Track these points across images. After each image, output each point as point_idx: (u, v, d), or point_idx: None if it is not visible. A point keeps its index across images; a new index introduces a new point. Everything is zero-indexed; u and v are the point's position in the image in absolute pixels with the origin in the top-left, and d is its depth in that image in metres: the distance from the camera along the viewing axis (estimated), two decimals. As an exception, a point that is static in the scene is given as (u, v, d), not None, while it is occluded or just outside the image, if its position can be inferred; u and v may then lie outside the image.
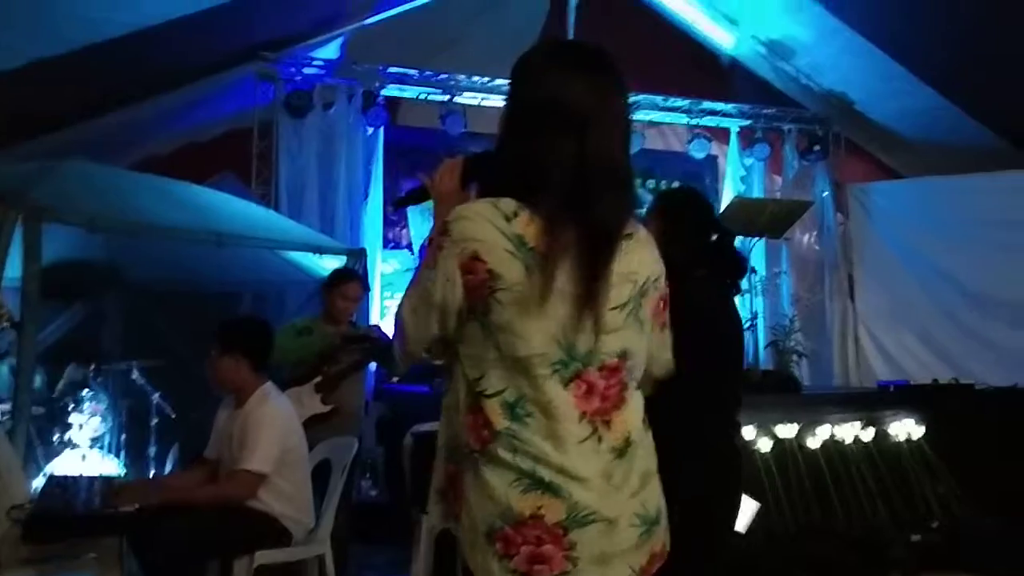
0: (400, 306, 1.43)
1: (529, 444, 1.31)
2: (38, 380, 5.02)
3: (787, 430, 4.62)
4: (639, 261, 1.41)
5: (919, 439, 4.96)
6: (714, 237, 2.52)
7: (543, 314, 1.32)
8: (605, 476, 1.34)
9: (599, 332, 1.34)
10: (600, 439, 1.35)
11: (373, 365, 4.91)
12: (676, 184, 7.95)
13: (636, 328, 1.40)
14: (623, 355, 1.38)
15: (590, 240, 1.34)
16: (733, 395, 2.47)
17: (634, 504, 1.37)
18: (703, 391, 2.22)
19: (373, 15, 6.47)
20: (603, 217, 1.35)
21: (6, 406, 4.42)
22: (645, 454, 1.42)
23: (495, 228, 1.31)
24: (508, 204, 1.34)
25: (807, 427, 4.70)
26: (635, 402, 1.42)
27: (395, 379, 5.62)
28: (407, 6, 6.50)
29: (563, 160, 1.33)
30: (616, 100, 1.40)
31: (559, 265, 1.31)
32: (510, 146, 1.41)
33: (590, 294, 1.33)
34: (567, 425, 1.33)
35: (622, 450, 1.37)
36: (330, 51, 6.76)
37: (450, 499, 1.40)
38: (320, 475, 3.57)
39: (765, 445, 4.52)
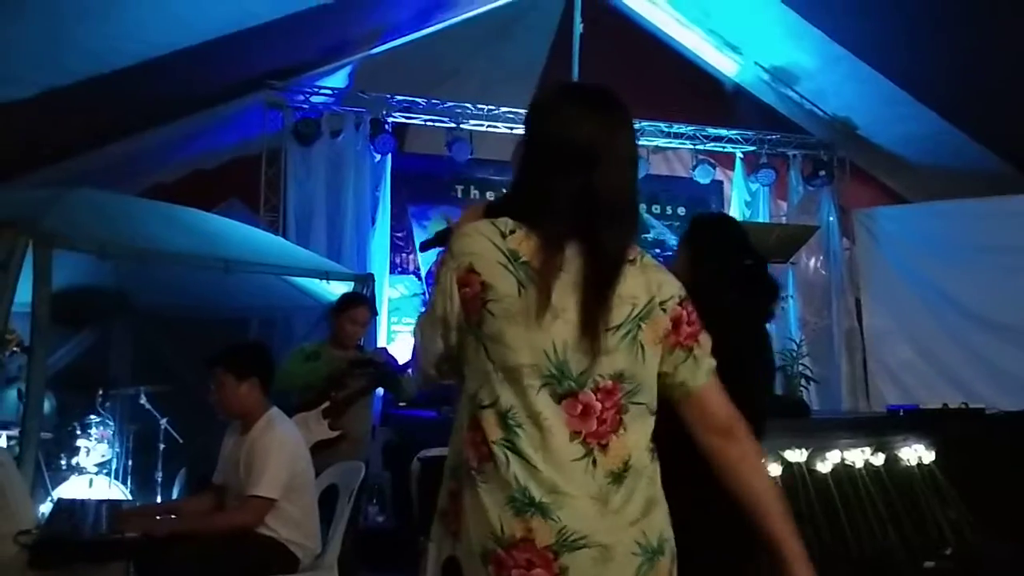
0: (414, 331, 1.50)
1: (521, 454, 1.33)
2: (46, 405, 5.03)
3: (796, 455, 4.59)
4: (640, 285, 1.42)
5: (930, 464, 4.91)
6: (748, 263, 2.50)
7: (535, 327, 1.34)
8: (600, 500, 1.34)
9: (595, 353, 1.35)
10: (595, 462, 1.35)
11: (380, 390, 4.91)
12: (681, 209, 8.01)
13: (633, 351, 1.40)
14: (618, 377, 1.38)
15: (593, 265, 1.38)
16: (755, 421, 2.45)
17: (634, 532, 1.35)
18: None
19: (380, 44, 6.55)
20: (607, 243, 1.39)
21: (14, 431, 4.43)
22: (649, 482, 1.40)
23: (490, 242, 1.38)
24: (505, 222, 1.40)
25: (817, 452, 4.66)
26: (638, 427, 1.40)
27: (402, 404, 5.61)
28: (413, 36, 6.59)
29: (570, 190, 1.39)
30: (624, 136, 1.46)
31: (554, 283, 1.35)
32: (523, 185, 1.47)
33: (589, 317, 1.36)
34: (558, 441, 1.33)
35: (619, 475, 1.36)
36: (338, 80, 6.85)
37: (450, 518, 1.41)
38: (327, 500, 3.56)
39: (774, 470, 4.48)
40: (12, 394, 4.87)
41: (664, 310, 1.43)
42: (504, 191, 1.63)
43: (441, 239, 1.64)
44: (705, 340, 1.50)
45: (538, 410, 1.34)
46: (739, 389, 2.15)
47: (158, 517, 4.30)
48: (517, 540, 1.30)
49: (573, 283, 1.36)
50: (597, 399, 1.36)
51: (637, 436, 1.40)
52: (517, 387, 1.35)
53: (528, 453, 1.33)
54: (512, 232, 1.38)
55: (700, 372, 1.48)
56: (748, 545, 1.91)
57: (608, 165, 1.41)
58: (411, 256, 7.11)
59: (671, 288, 1.46)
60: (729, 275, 2.42)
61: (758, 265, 2.56)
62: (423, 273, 7.01)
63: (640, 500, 1.38)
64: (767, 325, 2.70)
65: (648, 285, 1.43)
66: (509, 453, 1.33)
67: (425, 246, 1.89)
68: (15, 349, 4.61)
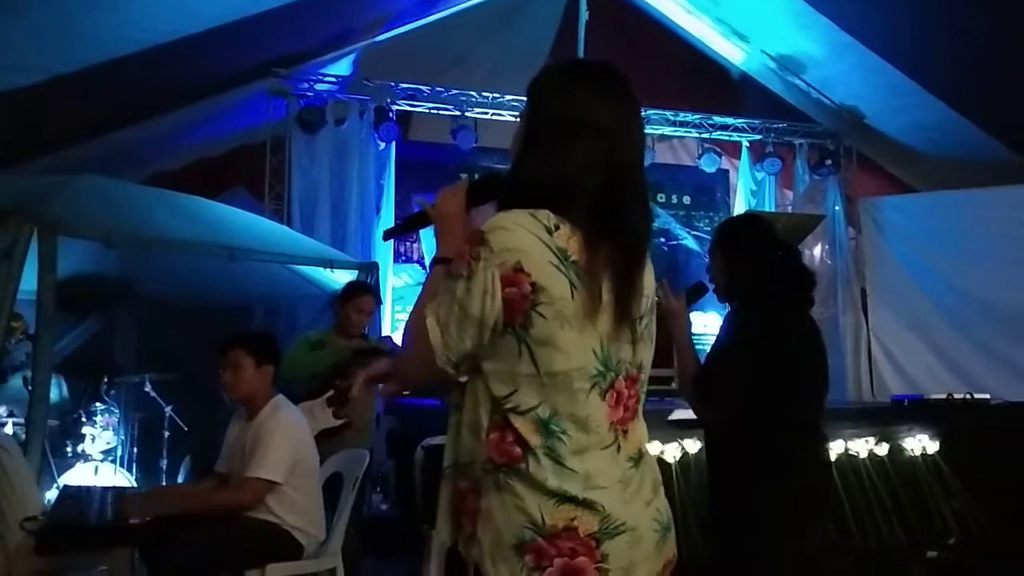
0: (411, 323, 1.39)
1: (559, 460, 1.30)
2: (52, 392, 5.05)
3: (800, 444, 4.59)
4: (649, 276, 1.45)
5: (934, 454, 4.90)
6: (779, 254, 2.56)
7: (587, 328, 1.32)
8: (624, 484, 1.35)
9: (630, 343, 1.38)
10: (619, 448, 1.36)
11: (384, 378, 4.90)
12: (686, 198, 7.99)
13: (649, 341, 1.45)
14: (640, 367, 1.42)
15: (625, 253, 1.36)
16: (812, 412, 2.49)
17: (651, 511, 1.39)
18: (772, 414, 2.32)
19: (384, 32, 6.53)
20: (635, 230, 1.37)
21: (20, 418, 4.45)
22: (652, 463, 1.45)
23: (538, 239, 1.29)
24: (547, 216, 1.31)
25: (821, 442, 4.66)
26: (642, 415, 1.45)
27: (406, 393, 5.61)
28: (418, 23, 6.56)
29: (595, 176, 1.34)
30: (636, 118, 1.43)
31: (604, 281, 1.33)
32: (532, 164, 1.38)
33: (627, 306, 1.36)
34: (601, 437, 1.34)
35: (637, 460, 1.39)
36: (342, 67, 6.83)
37: (463, 519, 1.37)
38: (331, 488, 3.56)
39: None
40: (18, 382, 4.89)
41: (651, 306, 1.48)
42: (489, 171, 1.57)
43: (410, 225, 1.56)
44: None
45: (587, 413, 1.32)
46: (778, 386, 2.23)
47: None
48: (559, 530, 1.28)
49: (609, 275, 1.35)
50: (626, 386, 1.38)
51: (643, 423, 1.44)
52: (565, 392, 1.31)
53: (569, 459, 1.31)
54: (557, 228, 1.30)
55: None
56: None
57: (625, 146, 1.37)
58: (415, 245, 7.10)
59: (653, 279, 1.49)
60: (768, 271, 2.49)
61: (791, 254, 2.61)
62: (427, 262, 7.00)
63: (650, 480, 1.41)
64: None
65: (651, 279, 1.46)
66: (547, 460, 1.30)
67: (391, 233, 1.82)
68: (20, 337, 4.62)
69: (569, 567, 1.28)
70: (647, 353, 1.43)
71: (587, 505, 1.30)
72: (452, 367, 1.33)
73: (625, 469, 1.36)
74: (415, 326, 1.37)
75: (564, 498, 1.29)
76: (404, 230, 1.60)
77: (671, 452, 3.93)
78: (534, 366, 1.30)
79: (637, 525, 1.34)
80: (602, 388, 1.35)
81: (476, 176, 1.57)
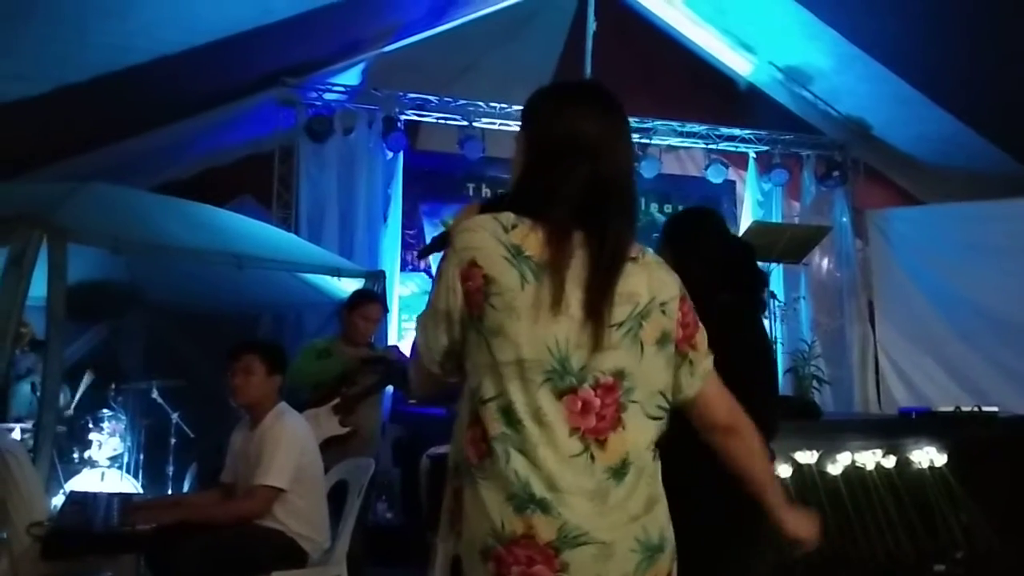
0: (416, 330, 1.50)
1: (521, 450, 1.32)
2: (60, 399, 5.06)
3: (807, 456, 4.57)
4: (642, 283, 1.43)
5: (941, 467, 4.87)
6: (733, 251, 2.43)
7: (539, 322, 1.34)
8: (599, 496, 1.33)
9: (596, 349, 1.35)
10: (592, 457, 1.34)
11: (390, 388, 4.91)
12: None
13: (633, 349, 1.40)
14: (618, 374, 1.38)
15: (597, 258, 1.38)
16: (761, 419, 2.43)
17: (634, 528, 1.35)
18: None
19: (393, 42, 6.56)
20: (610, 236, 1.40)
21: (27, 424, 4.47)
22: (651, 479, 1.41)
23: (493, 236, 1.38)
24: (507, 216, 1.40)
25: (827, 454, 4.64)
26: (637, 426, 1.39)
27: (412, 401, 5.62)
28: (426, 34, 6.59)
29: (575, 182, 1.40)
30: (621, 130, 1.49)
31: (566, 274, 1.35)
32: (524, 179, 1.48)
33: (594, 311, 1.36)
34: (558, 437, 1.33)
35: (618, 471, 1.35)
36: (351, 77, 6.86)
37: (454, 517, 1.41)
38: (337, 496, 3.57)
39: (784, 471, 4.47)
40: (25, 388, 4.92)
41: (664, 312, 1.44)
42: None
43: (440, 243, 1.63)
44: (701, 340, 1.52)
45: (539, 405, 1.33)
46: (742, 388, 2.14)
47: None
48: (518, 537, 1.30)
49: (577, 277, 1.37)
50: (596, 395, 1.36)
51: (636, 435, 1.39)
52: (519, 382, 1.34)
53: (528, 449, 1.32)
54: (514, 227, 1.39)
55: (695, 378, 1.51)
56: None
57: (610, 158, 1.43)
58: (422, 254, 7.12)
59: (672, 288, 1.47)
60: (719, 269, 2.32)
61: (746, 253, 2.47)
62: (433, 271, 7.01)
63: (642, 497, 1.38)
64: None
65: (650, 283, 1.44)
66: (510, 449, 1.33)
67: (423, 253, 1.88)
68: (26, 348, 4.64)
69: (527, 575, 1.29)
70: (629, 361, 1.39)
71: (544, 509, 1.30)
72: (437, 367, 1.44)
73: (600, 480, 1.34)
74: (415, 335, 1.49)
75: (523, 498, 1.30)
76: (434, 249, 1.69)
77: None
78: (491, 355, 1.36)
79: (610, 540, 1.32)
80: (556, 387, 1.34)
81: (485, 189, 1.62)
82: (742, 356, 2.23)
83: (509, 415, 1.34)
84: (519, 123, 1.55)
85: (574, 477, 1.32)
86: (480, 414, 1.36)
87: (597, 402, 1.36)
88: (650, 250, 1.51)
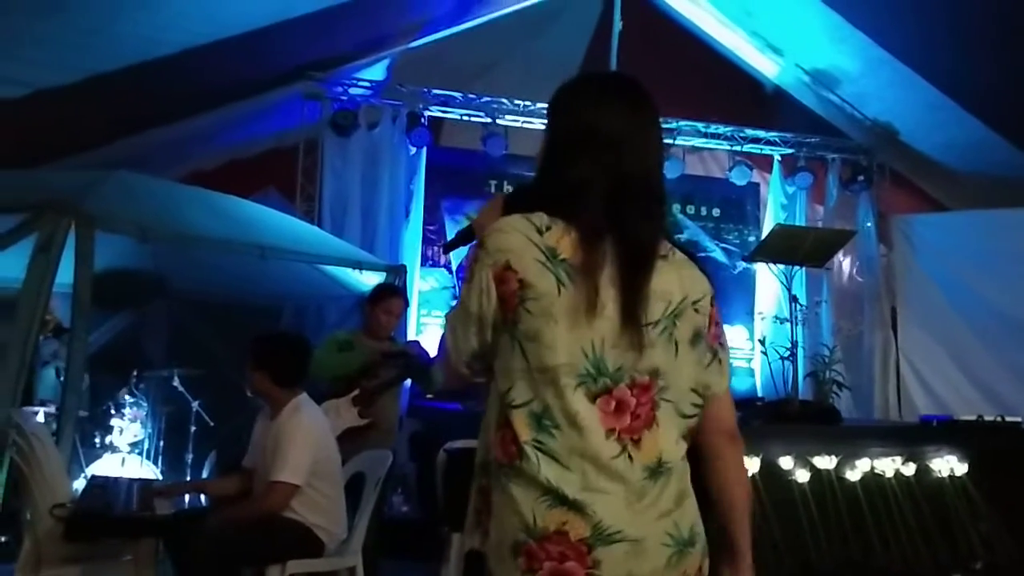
0: (444, 329, 1.48)
1: (553, 455, 1.31)
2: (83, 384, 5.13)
3: (826, 461, 4.54)
4: (673, 281, 1.40)
5: (962, 476, 4.82)
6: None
7: (574, 326, 1.33)
8: (637, 495, 1.33)
9: (633, 349, 1.34)
10: (631, 457, 1.34)
11: (408, 381, 4.93)
12: (715, 211, 7.95)
13: (669, 348, 1.39)
14: (654, 373, 1.37)
15: (629, 257, 1.36)
16: None
17: (666, 524, 1.35)
18: None
19: (418, 39, 6.58)
20: (640, 233, 1.37)
21: (51, 408, 4.53)
22: (680, 475, 1.40)
23: (527, 239, 1.35)
24: (540, 217, 1.37)
25: (846, 459, 4.60)
26: (669, 424, 1.39)
27: (429, 396, 5.64)
28: (451, 30, 6.60)
29: (600, 179, 1.38)
30: (648, 124, 1.45)
31: (600, 278, 1.33)
32: (547, 172, 1.45)
33: (630, 311, 1.34)
34: (594, 439, 1.32)
35: (655, 470, 1.35)
36: (376, 72, 6.89)
37: (482, 515, 1.40)
38: (354, 488, 3.59)
39: (802, 476, 4.44)
40: (50, 373, 4.99)
41: (697, 310, 1.42)
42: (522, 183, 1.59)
43: (464, 238, 1.62)
44: (726, 341, 1.50)
45: (575, 410, 1.32)
46: None
47: (187, 496, 4.41)
48: (550, 533, 1.29)
49: (610, 278, 1.35)
50: (632, 395, 1.34)
51: (669, 433, 1.38)
52: (554, 387, 1.33)
53: (561, 455, 1.31)
54: (548, 228, 1.36)
55: (724, 377, 1.49)
56: None
57: (634, 153, 1.40)
58: (442, 249, 7.14)
59: (703, 285, 1.45)
60: None
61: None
62: (454, 267, 7.03)
63: (673, 492, 1.37)
64: None
65: (681, 282, 1.41)
66: (540, 455, 1.31)
67: (448, 247, 1.88)
68: (49, 334, 4.71)
69: (558, 571, 1.29)
70: (664, 360, 1.38)
71: (578, 509, 1.29)
72: (465, 367, 1.43)
73: (640, 479, 1.33)
74: (443, 333, 1.47)
75: (556, 499, 1.30)
76: (459, 243, 1.67)
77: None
78: (525, 360, 1.34)
79: (643, 537, 1.32)
80: (590, 390, 1.33)
81: (506, 186, 1.61)
82: None
83: (542, 420, 1.33)
84: (543, 121, 1.53)
85: (611, 478, 1.32)
86: (510, 417, 1.35)
87: (633, 401, 1.35)
88: (679, 248, 1.47)
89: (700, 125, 7.46)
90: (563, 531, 1.29)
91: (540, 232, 1.35)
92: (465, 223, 1.64)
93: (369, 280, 5.16)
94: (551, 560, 1.29)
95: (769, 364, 5.47)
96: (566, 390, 1.33)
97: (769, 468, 4.42)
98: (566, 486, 1.30)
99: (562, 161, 1.43)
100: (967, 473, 4.83)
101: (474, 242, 1.49)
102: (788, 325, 5.63)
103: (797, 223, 7.64)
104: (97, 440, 5.05)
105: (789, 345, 5.46)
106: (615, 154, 1.39)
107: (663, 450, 1.37)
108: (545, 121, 1.52)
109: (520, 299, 1.34)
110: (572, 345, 1.33)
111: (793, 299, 5.68)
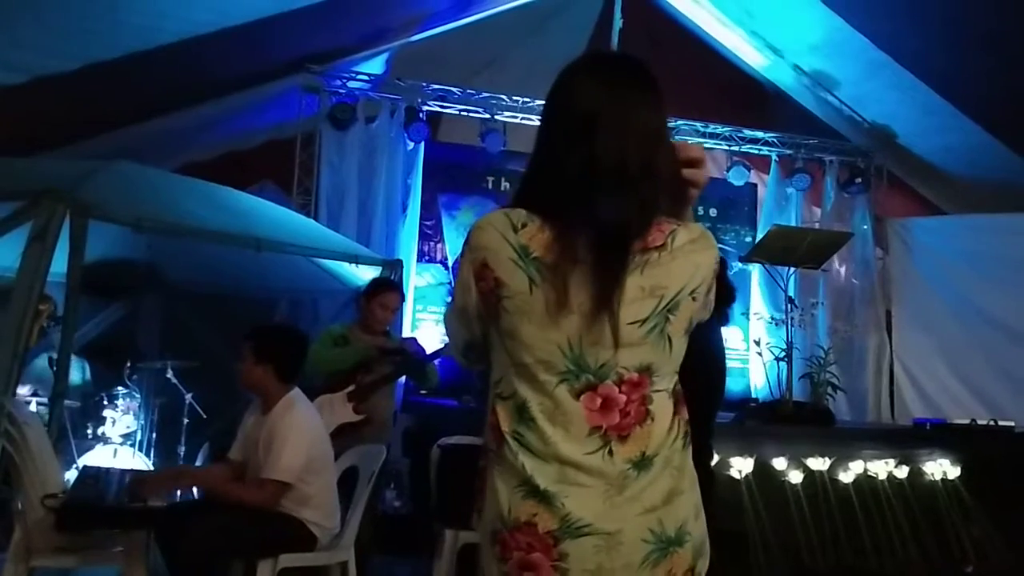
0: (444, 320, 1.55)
1: (529, 448, 1.32)
2: (75, 375, 5.11)
3: (819, 463, 4.55)
4: (670, 274, 1.32)
5: (955, 479, 4.84)
6: None
7: (549, 324, 1.31)
8: (617, 488, 1.30)
9: (616, 345, 1.30)
10: (611, 452, 1.31)
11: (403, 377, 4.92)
12: (713, 211, 7.95)
13: (660, 343, 1.33)
14: (645, 370, 1.33)
15: (599, 245, 1.29)
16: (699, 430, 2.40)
17: (648, 520, 1.31)
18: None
19: (418, 33, 6.56)
20: (610, 221, 1.29)
21: (43, 397, 4.51)
22: (675, 471, 1.35)
23: (502, 237, 1.33)
24: (519, 214, 1.35)
25: (840, 461, 4.62)
26: (663, 413, 1.35)
27: (423, 392, 5.63)
28: (451, 25, 6.58)
29: (572, 162, 1.32)
30: (628, 97, 1.35)
31: (570, 277, 1.29)
32: (530, 164, 1.41)
33: (602, 305, 1.28)
34: (574, 434, 1.31)
35: (638, 463, 1.31)
36: (375, 66, 6.87)
37: (479, 495, 1.42)
38: (347, 482, 3.57)
39: (796, 477, 4.45)
40: (42, 362, 4.96)
41: (694, 298, 1.34)
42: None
43: None
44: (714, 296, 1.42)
45: (555, 406, 1.31)
46: (698, 399, 2.05)
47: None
48: (521, 524, 1.31)
49: (584, 273, 1.29)
50: (621, 391, 1.31)
51: (663, 423, 1.34)
52: (534, 383, 1.33)
53: (537, 448, 1.31)
54: (524, 225, 1.32)
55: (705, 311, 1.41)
56: None
57: (609, 130, 1.31)
58: (439, 245, 7.12)
59: (704, 270, 1.35)
60: None
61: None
62: (450, 263, 7.02)
63: (662, 489, 1.33)
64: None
65: (681, 273, 1.32)
66: (520, 445, 1.33)
67: None
68: (47, 322, 4.67)
69: (525, 561, 1.30)
70: (656, 356, 1.32)
71: (548, 501, 1.29)
72: (462, 356, 1.48)
73: (620, 472, 1.30)
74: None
75: (530, 490, 1.31)
76: None
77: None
78: (507, 355, 1.36)
79: (618, 530, 1.29)
80: (573, 387, 1.31)
81: (504, 183, 1.60)
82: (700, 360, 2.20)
83: (523, 413, 1.33)
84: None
85: (588, 472, 1.30)
86: (496, 407, 1.37)
87: (623, 399, 1.32)
88: (688, 227, 1.35)
89: (699, 125, 7.47)
90: (532, 523, 1.30)
91: (515, 230, 1.33)
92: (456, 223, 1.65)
93: (365, 274, 5.14)
94: (519, 550, 1.31)
95: (764, 365, 5.48)
96: (547, 386, 1.32)
97: (763, 469, 4.43)
98: (541, 477, 1.30)
99: (543, 150, 1.37)
100: (960, 476, 4.85)
101: (464, 220, 1.51)
102: (783, 326, 5.64)
103: (794, 225, 7.65)
104: (89, 431, 5.02)
105: (784, 346, 5.47)
106: (587, 133, 1.31)
107: (653, 443, 1.33)
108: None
109: (497, 297, 1.34)
110: (547, 343, 1.31)
111: (789, 300, 5.69)
